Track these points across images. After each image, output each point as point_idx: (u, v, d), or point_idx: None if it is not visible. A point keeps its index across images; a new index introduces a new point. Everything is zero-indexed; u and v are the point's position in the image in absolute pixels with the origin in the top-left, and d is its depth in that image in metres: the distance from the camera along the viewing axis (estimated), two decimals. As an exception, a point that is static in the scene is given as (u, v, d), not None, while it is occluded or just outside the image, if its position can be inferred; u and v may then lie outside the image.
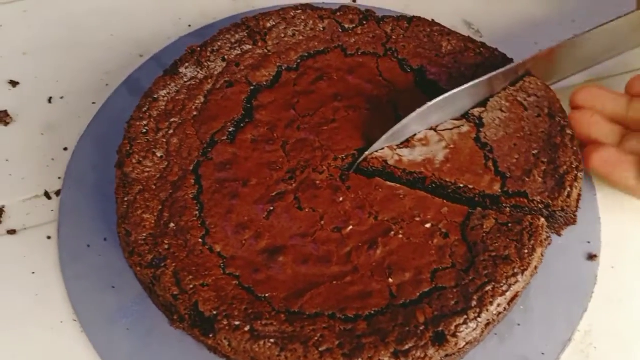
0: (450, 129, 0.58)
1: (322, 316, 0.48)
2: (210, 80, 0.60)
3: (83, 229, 0.59)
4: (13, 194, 0.63)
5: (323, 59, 0.63)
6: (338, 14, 0.64)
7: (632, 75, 0.63)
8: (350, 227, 0.53)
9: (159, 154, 0.56)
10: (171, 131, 0.57)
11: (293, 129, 0.58)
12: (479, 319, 0.47)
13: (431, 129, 0.58)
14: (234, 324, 0.47)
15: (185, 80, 0.60)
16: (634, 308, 0.57)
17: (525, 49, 0.62)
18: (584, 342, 0.55)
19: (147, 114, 0.57)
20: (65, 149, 0.65)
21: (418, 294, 0.49)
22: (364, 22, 0.64)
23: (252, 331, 0.47)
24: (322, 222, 0.53)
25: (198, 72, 0.60)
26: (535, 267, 0.51)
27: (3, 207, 0.62)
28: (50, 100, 0.69)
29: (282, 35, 0.63)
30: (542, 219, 0.52)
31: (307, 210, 0.53)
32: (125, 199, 0.53)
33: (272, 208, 0.54)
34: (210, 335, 0.47)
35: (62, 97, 0.69)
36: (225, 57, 0.61)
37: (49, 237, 0.60)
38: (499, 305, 0.48)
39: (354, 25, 0.64)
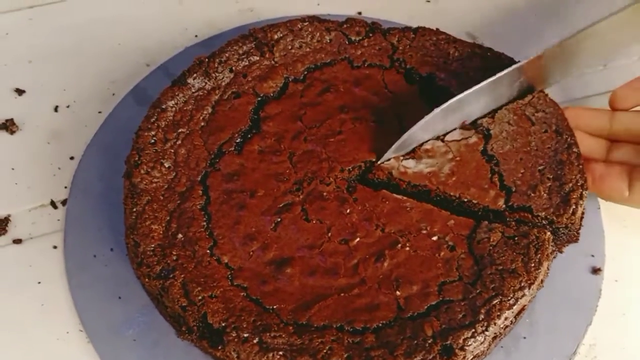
0: (458, 140, 0.58)
1: (330, 328, 0.48)
2: (217, 91, 0.60)
3: (89, 239, 0.59)
4: (19, 203, 0.62)
5: (330, 70, 0.63)
6: (345, 26, 0.65)
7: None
8: (358, 239, 0.53)
9: (166, 165, 0.56)
10: (179, 142, 0.57)
11: (300, 141, 0.58)
12: (486, 333, 0.48)
13: (439, 138, 0.58)
14: (242, 336, 0.47)
15: (193, 90, 0.60)
16: (637, 321, 0.57)
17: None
18: (589, 355, 0.56)
19: (155, 124, 0.57)
20: (72, 158, 0.65)
21: (425, 307, 0.49)
22: (370, 35, 0.65)
23: (260, 343, 0.47)
24: (330, 234, 0.53)
25: (206, 83, 0.60)
26: (542, 281, 0.51)
27: (9, 216, 0.62)
28: (56, 108, 0.69)
29: (289, 47, 0.63)
30: (548, 233, 0.52)
31: (314, 221, 0.54)
32: (134, 209, 0.53)
33: (279, 219, 0.54)
34: (219, 347, 0.47)
35: (68, 106, 0.69)
36: (233, 68, 0.62)
37: (55, 247, 0.60)
38: (506, 318, 0.49)
39: (361, 38, 0.65)
